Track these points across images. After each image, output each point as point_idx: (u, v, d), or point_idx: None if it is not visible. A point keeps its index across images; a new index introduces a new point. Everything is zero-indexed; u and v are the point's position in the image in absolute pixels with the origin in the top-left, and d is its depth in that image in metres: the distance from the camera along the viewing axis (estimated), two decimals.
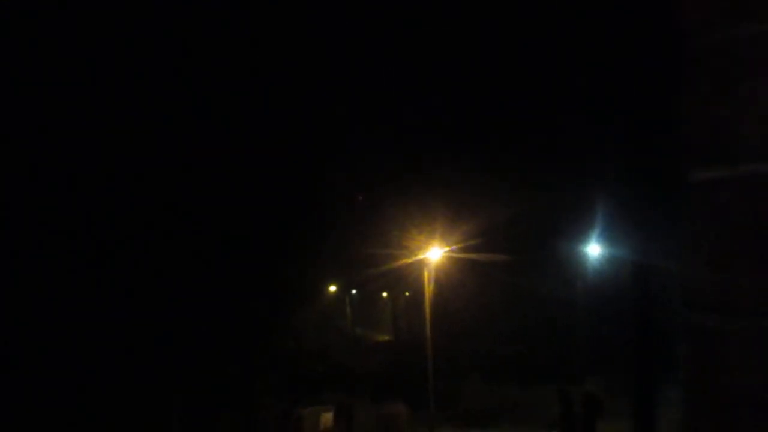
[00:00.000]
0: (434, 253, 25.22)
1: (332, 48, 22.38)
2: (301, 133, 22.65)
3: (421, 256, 25.28)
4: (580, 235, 26.24)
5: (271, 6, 19.99)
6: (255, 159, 21.62)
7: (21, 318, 18.48)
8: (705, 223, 0.69)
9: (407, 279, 29.38)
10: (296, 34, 21.29)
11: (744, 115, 0.67)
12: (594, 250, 26.45)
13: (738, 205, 0.66)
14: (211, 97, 20.22)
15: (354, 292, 41.74)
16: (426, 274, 24.97)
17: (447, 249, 25.58)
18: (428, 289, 24.98)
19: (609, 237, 24.41)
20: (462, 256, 25.91)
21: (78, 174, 18.49)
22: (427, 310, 24.38)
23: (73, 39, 18.13)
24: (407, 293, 34.36)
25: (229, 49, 20.19)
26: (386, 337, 39.10)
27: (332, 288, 38.56)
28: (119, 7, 18.79)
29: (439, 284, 26.42)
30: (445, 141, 25.57)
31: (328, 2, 20.91)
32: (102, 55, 18.39)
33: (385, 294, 40.12)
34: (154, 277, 20.83)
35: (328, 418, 22.36)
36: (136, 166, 19.38)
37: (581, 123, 20.51)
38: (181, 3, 19.16)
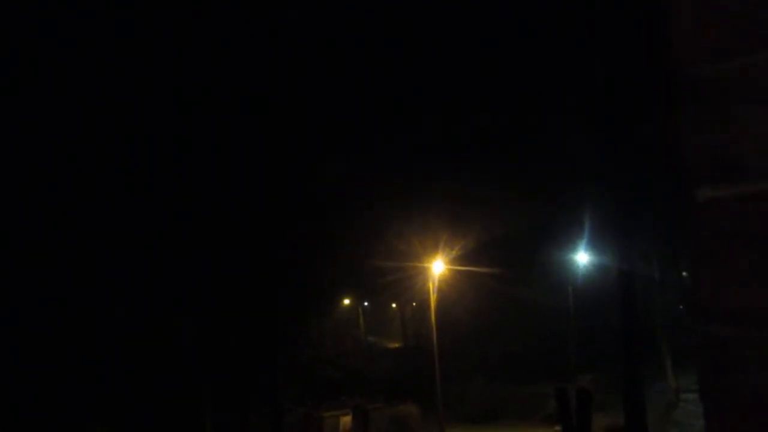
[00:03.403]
0: (437, 267, 25.15)
1: (331, 73, 22.17)
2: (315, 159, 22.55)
3: (425, 270, 25.24)
4: (570, 245, 26.16)
5: (276, 9, 19.57)
6: (274, 185, 21.59)
7: (55, 324, 18.29)
8: (712, 240, 0.67)
9: (414, 290, 29.29)
10: (301, 48, 20.92)
11: (740, 138, 0.66)
12: (582, 258, 26.34)
13: (741, 222, 0.65)
14: (215, 119, 19.96)
15: (366, 304, 41.58)
16: (431, 285, 24.89)
17: (448, 263, 25.52)
18: (433, 299, 24.89)
19: (595, 246, 24.33)
20: (463, 268, 25.86)
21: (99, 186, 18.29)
22: (433, 318, 24.27)
23: (71, 38, 17.82)
24: (414, 303, 34.24)
25: (232, 61, 19.88)
26: (396, 344, 38.87)
27: (346, 301, 38.44)
28: (110, 6, 18.41)
29: (443, 294, 26.31)
30: (445, 160, 25.42)
31: (333, 14, 20.58)
32: (96, 54, 18.04)
33: (394, 305, 39.96)
34: (190, 295, 20.78)
35: (347, 420, 22.19)
36: (153, 181, 19.19)
37: (571, 139, 20.40)
38: (177, 4, 18.71)
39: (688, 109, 0.70)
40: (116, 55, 18.20)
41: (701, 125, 0.69)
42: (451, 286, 26.97)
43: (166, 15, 18.25)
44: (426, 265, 25.17)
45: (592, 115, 17.29)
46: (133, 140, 18.88)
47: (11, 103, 17.35)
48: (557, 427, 17.21)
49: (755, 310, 0.62)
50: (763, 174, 0.64)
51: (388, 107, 23.82)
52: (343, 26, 21.10)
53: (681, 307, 23.39)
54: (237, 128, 20.38)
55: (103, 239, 18.24)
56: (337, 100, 22.40)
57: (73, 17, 17.93)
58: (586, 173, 20.49)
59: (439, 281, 25.62)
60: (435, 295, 25.09)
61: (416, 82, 23.32)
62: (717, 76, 0.68)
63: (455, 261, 25.71)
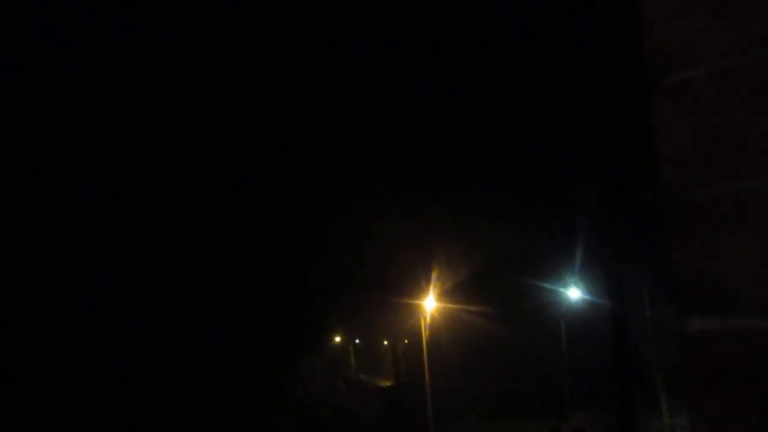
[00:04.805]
0: (429, 303, 25.09)
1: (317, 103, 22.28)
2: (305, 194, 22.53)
3: (417, 306, 25.15)
4: (561, 280, 26.17)
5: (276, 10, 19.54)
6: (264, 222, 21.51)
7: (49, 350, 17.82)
8: (704, 376, 0.67)
9: (406, 327, 29.11)
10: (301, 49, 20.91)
11: (732, 268, 0.66)
12: (574, 294, 26.33)
13: (733, 360, 0.65)
14: (214, 146, 19.92)
15: (357, 341, 41.22)
16: (422, 322, 24.77)
17: (440, 299, 25.46)
18: (425, 336, 24.74)
19: (586, 282, 24.35)
20: (455, 306, 25.84)
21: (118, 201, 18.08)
22: (425, 355, 24.09)
23: (72, 38, 17.69)
24: (406, 340, 34.00)
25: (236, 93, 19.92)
26: (388, 382, 38.42)
27: (337, 338, 38.13)
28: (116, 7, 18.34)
29: (435, 331, 26.18)
30: (435, 196, 25.49)
31: (333, 15, 20.61)
32: (96, 55, 17.91)
33: (385, 342, 39.64)
34: (179, 334, 20.49)
35: None
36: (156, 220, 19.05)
37: (560, 172, 20.55)
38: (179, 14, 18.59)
39: (677, 234, 0.70)
40: (116, 55, 18.14)
41: (691, 252, 0.69)
42: (444, 323, 26.85)
43: (166, 15, 18.18)
44: (418, 301, 25.08)
45: (584, 150, 17.48)
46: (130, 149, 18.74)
47: (11, 104, 17.17)
48: None
49: None
50: (756, 309, 0.63)
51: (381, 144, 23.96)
52: (343, 28, 21.22)
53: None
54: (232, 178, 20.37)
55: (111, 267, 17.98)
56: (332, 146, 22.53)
57: (73, 17, 17.85)
58: (578, 209, 20.64)
59: (432, 319, 25.52)
60: (427, 332, 24.96)
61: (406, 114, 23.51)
62: (708, 202, 0.68)
63: (447, 297, 25.63)
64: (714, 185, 0.69)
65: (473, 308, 25.52)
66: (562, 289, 26.60)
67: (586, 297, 25.15)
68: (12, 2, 16.78)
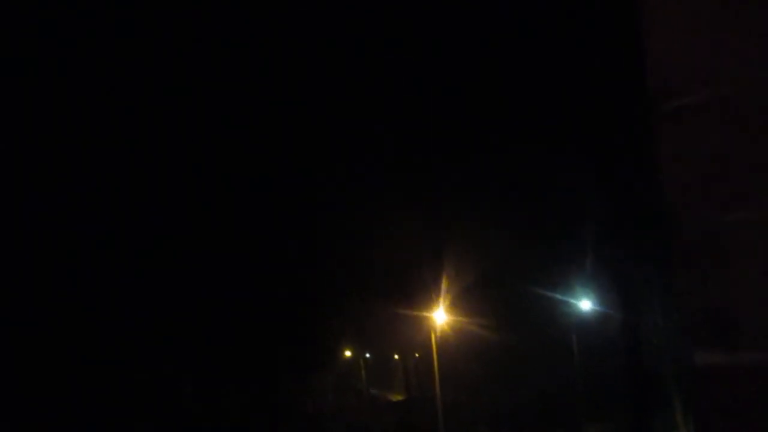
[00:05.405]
0: (439, 316, 25.01)
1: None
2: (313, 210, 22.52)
3: (427, 319, 25.06)
4: (572, 291, 26.02)
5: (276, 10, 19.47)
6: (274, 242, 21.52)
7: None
8: (712, 409, 0.66)
9: (416, 341, 29.01)
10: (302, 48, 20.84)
11: (737, 300, 0.65)
12: (585, 304, 26.18)
13: (738, 392, 0.64)
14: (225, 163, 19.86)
15: (368, 355, 41.04)
16: (433, 336, 24.67)
17: (450, 311, 25.37)
18: (435, 349, 24.61)
19: (598, 291, 24.20)
20: (465, 319, 25.76)
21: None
22: (436, 369, 23.97)
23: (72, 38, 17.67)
24: (417, 354, 33.84)
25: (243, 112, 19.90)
26: (399, 397, 38.18)
27: (348, 353, 38.01)
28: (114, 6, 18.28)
29: (445, 344, 26.03)
30: (442, 206, 25.41)
31: (333, 15, 20.53)
32: (96, 54, 17.87)
33: (396, 356, 39.47)
34: (188, 347, 20.47)
35: None
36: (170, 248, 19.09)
37: (570, 185, 20.44)
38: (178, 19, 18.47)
39: (684, 264, 0.70)
40: (116, 55, 18.13)
41: (696, 283, 0.68)
42: (454, 336, 26.71)
43: (166, 15, 18.13)
44: (428, 314, 25.00)
45: (595, 157, 17.42)
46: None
47: (11, 104, 17.16)
48: None
49: None
50: (762, 341, 0.62)
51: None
52: (343, 29, 21.17)
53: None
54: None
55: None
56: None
57: (73, 17, 17.85)
58: (587, 217, 20.52)
59: (442, 332, 25.43)
60: (436, 343, 24.82)
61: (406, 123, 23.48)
62: (711, 230, 0.67)
63: (457, 309, 25.54)
64: (716, 214, 0.68)
65: (484, 320, 25.41)
66: (573, 300, 26.45)
67: (597, 307, 25.01)
68: (12, 2, 16.79)
